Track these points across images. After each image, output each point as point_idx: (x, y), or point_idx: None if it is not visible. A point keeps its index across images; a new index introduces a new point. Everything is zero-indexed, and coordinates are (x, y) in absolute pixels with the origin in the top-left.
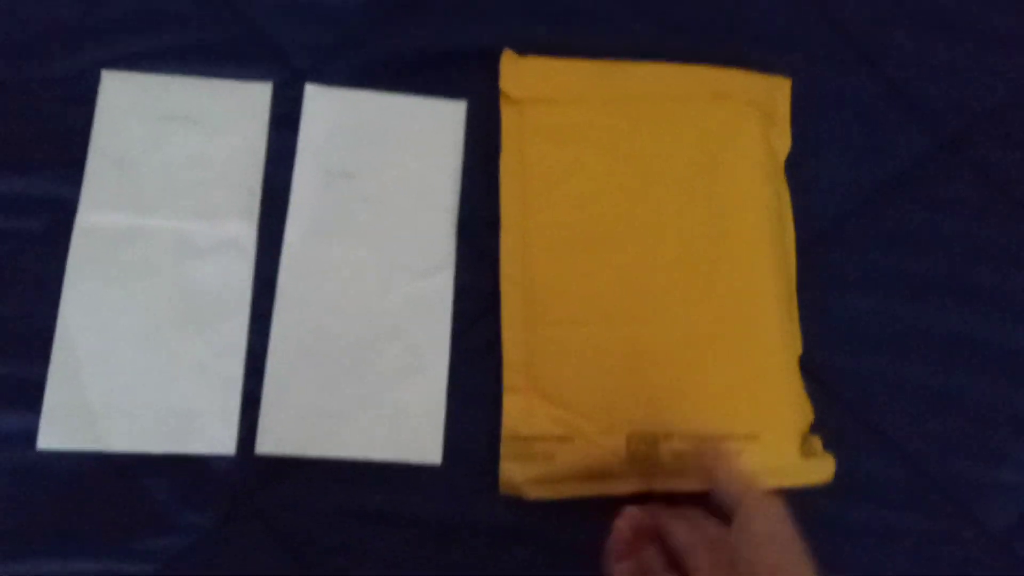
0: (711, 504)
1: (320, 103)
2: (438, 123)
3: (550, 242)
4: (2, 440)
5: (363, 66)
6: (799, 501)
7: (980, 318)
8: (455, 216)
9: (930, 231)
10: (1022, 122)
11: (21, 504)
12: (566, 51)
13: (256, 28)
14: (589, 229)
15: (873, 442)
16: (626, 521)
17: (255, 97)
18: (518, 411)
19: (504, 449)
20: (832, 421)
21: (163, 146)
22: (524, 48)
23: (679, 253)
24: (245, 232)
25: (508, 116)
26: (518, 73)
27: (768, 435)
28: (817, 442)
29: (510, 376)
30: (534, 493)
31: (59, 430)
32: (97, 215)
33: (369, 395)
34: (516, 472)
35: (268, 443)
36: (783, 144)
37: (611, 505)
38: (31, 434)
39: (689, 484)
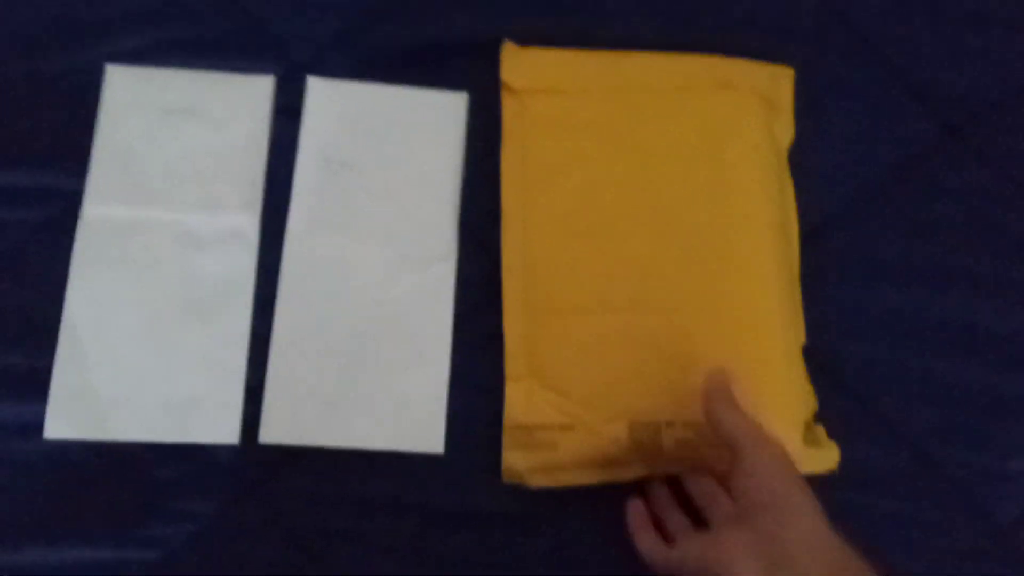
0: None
1: (322, 95)
2: (440, 114)
3: (551, 231)
4: (9, 430)
5: (365, 58)
6: None
7: (987, 306)
8: (457, 207)
9: (935, 218)
10: None
11: (28, 493)
12: (567, 42)
13: (258, 21)
14: (591, 218)
15: (878, 431)
16: (636, 506)
17: (258, 90)
18: (520, 400)
19: (506, 438)
20: (837, 410)
21: (167, 139)
22: (525, 39)
23: (681, 242)
24: (248, 223)
25: (509, 107)
26: (519, 64)
27: (771, 422)
28: (821, 431)
29: (512, 365)
30: (537, 481)
31: (65, 420)
32: (102, 207)
33: (372, 385)
34: (519, 460)
35: (271, 433)
36: (786, 133)
37: (614, 493)
38: (38, 424)
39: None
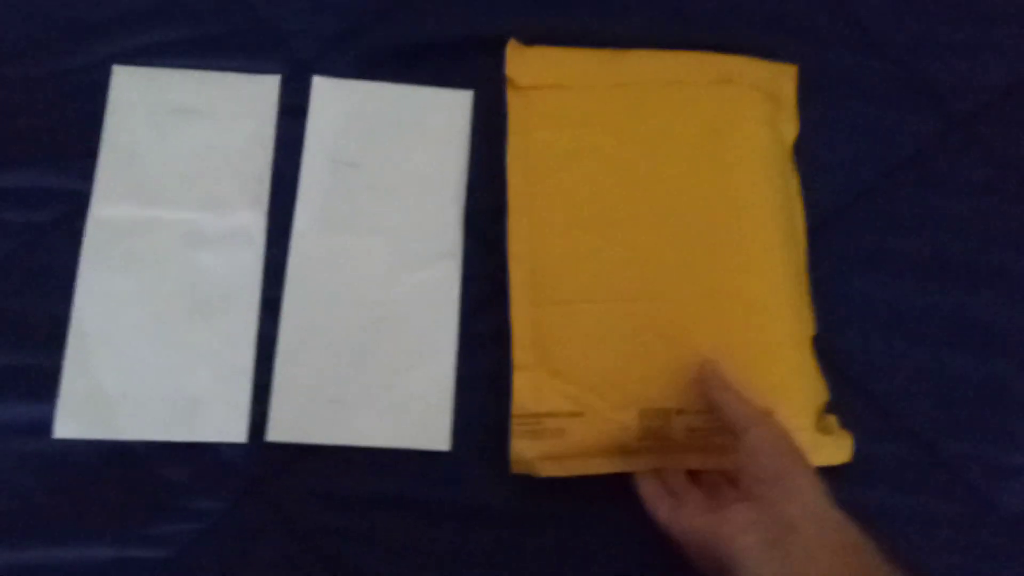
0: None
1: (327, 94)
2: (445, 112)
3: (559, 222)
4: (19, 429)
5: (370, 57)
6: None
7: (992, 299)
8: (462, 204)
9: (941, 212)
10: None
11: (38, 492)
12: (570, 40)
13: (264, 21)
14: (597, 209)
15: (885, 424)
16: (648, 479)
17: (263, 89)
18: (528, 388)
19: (514, 426)
20: (843, 403)
21: (174, 138)
22: (529, 37)
23: (687, 231)
24: (254, 222)
25: (514, 102)
26: (523, 61)
27: (783, 409)
28: (834, 421)
29: (519, 354)
30: (545, 470)
31: (74, 419)
32: (110, 207)
33: (378, 382)
34: (527, 449)
35: (279, 431)
36: (791, 129)
37: (621, 490)
38: (47, 423)
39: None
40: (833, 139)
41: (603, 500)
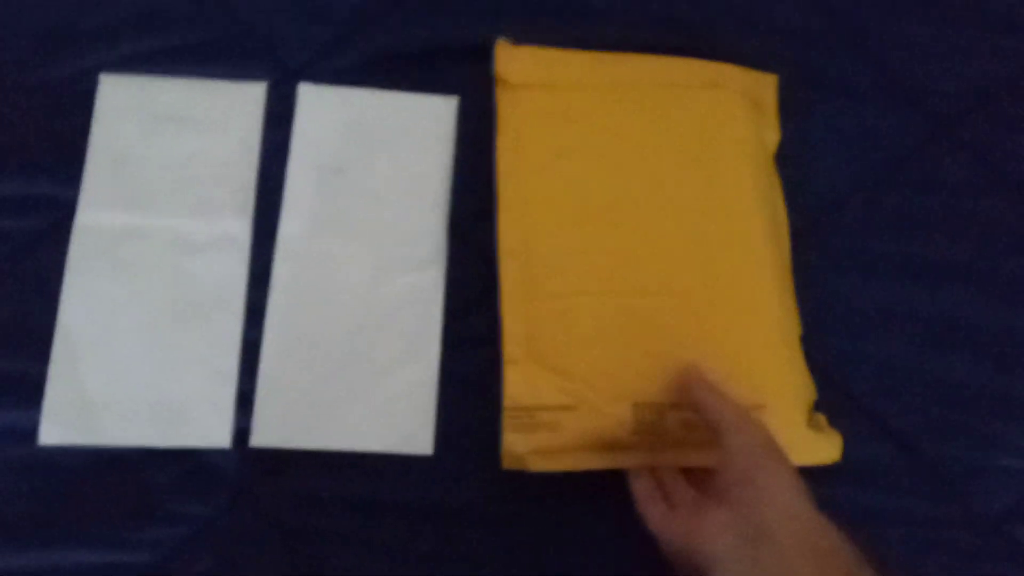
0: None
1: (313, 101)
2: (430, 119)
3: (549, 217)
4: (4, 436)
5: (355, 63)
6: None
7: (977, 300)
8: (446, 210)
9: (925, 214)
10: (1015, 103)
11: (23, 498)
12: (559, 46)
13: (250, 28)
14: (587, 205)
15: (868, 426)
16: (641, 478)
17: (249, 97)
18: (520, 381)
19: (506, 421)
20: (827, 405)
21: (160, 146)
22: (516, 44)
23: (677, 227)
24: (240, 228)
25: (503, 100)
26: (512, 60)
27: (775, 404)
28: (822, 419)
29: (511, 349)
30: (537, 465)
31: (59, 426)
32: (96, 214)
33: (362, 388)
34: (519, 443)
35: (263, 437)
36: (772, 136)
37: (609, 490)
38: (32, 430)
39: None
40: (818, 141)
41: (585, 503)
